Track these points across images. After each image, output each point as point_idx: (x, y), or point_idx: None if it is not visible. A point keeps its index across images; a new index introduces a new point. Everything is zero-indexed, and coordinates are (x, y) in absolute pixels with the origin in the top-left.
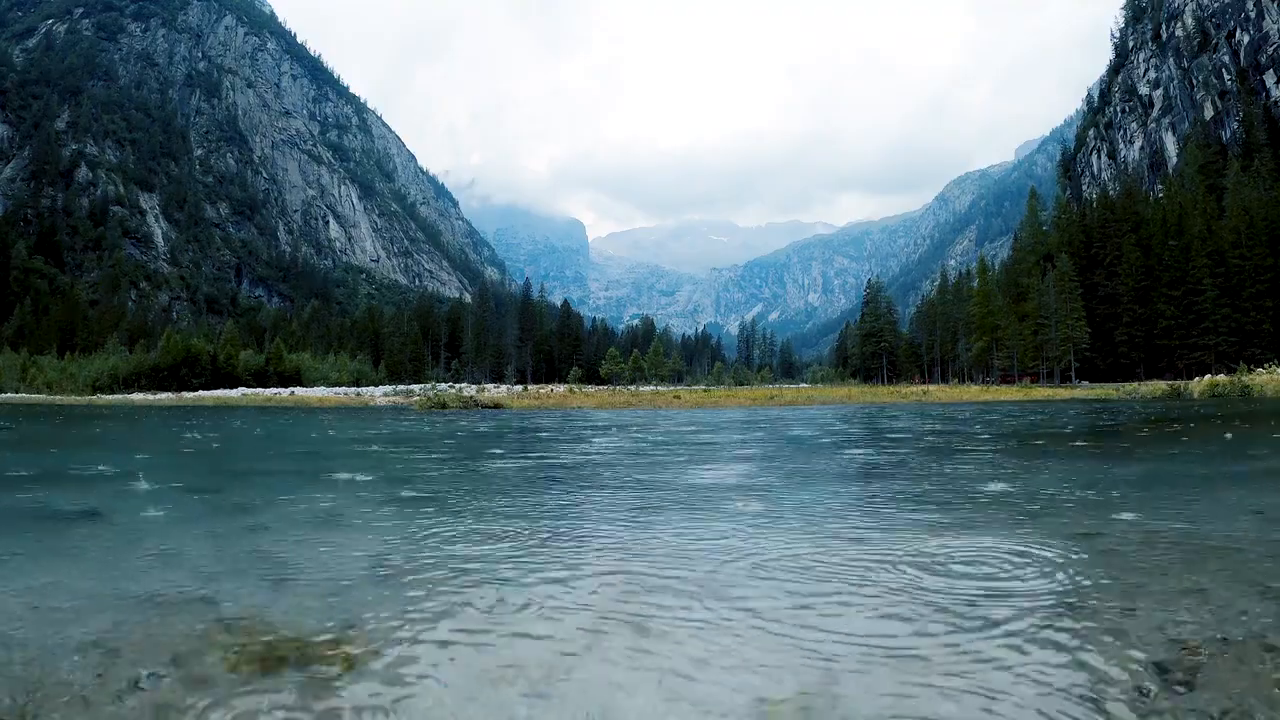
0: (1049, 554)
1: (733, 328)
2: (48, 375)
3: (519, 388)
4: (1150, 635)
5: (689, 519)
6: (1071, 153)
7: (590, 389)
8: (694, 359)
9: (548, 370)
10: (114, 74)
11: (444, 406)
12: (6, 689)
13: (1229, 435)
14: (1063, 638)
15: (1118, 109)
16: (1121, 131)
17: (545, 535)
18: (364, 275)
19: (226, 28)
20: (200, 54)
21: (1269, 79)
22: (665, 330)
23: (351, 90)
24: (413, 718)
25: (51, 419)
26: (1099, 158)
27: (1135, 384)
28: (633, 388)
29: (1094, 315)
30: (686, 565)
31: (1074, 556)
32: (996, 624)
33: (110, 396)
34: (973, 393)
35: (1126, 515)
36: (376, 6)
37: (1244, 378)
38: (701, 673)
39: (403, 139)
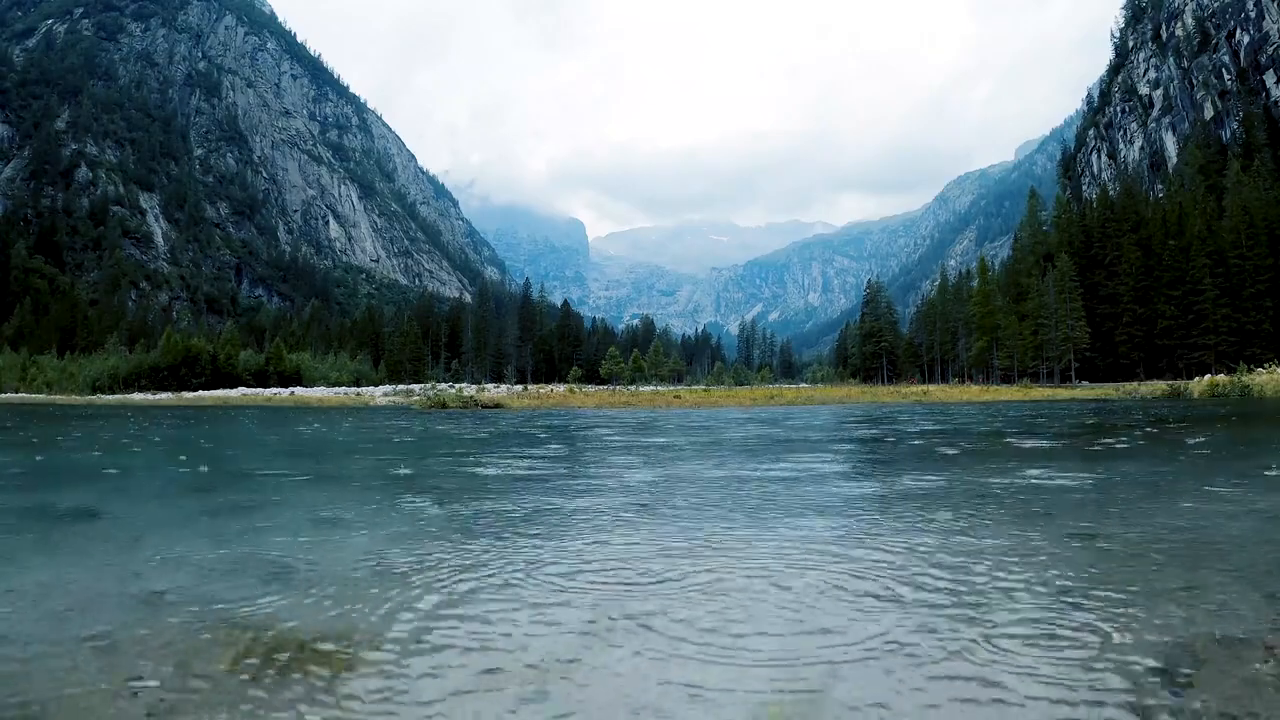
0: (1048, 553)
1: (733, 327)
2: (48, 375)
3: (519, 387)
4: (1150, 635)
5: (688, 520)
6: (1071, 153)
7: (590, 389)
8: (694, 359)
9: (548, 370)
10: (114, 74)
11: (444, 406)
12: (7, 689)
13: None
14: (1062, 638)
15: (1118, 109)
16: (1121, 131)
17: (544, 535)
18: (364, 275)
19: (226, 28)
20: (200, 54)
21: (1269, 79)
22: (665, 330)
23: (351, 90)
24: (413, 717)
25: (51, 419)
26: (1099, 158)
27: (1135, 384)
28: (633, 388)
29: (1094, 315)
30: (685, 565)
31: (1073, 556)
32: (996, 623)
33: (110, 396)
34: (972, 393)
35: (1126, 513)
36: (376, 6)
37: (1244, 378)
38: (701, 672)
39: (403, 139)
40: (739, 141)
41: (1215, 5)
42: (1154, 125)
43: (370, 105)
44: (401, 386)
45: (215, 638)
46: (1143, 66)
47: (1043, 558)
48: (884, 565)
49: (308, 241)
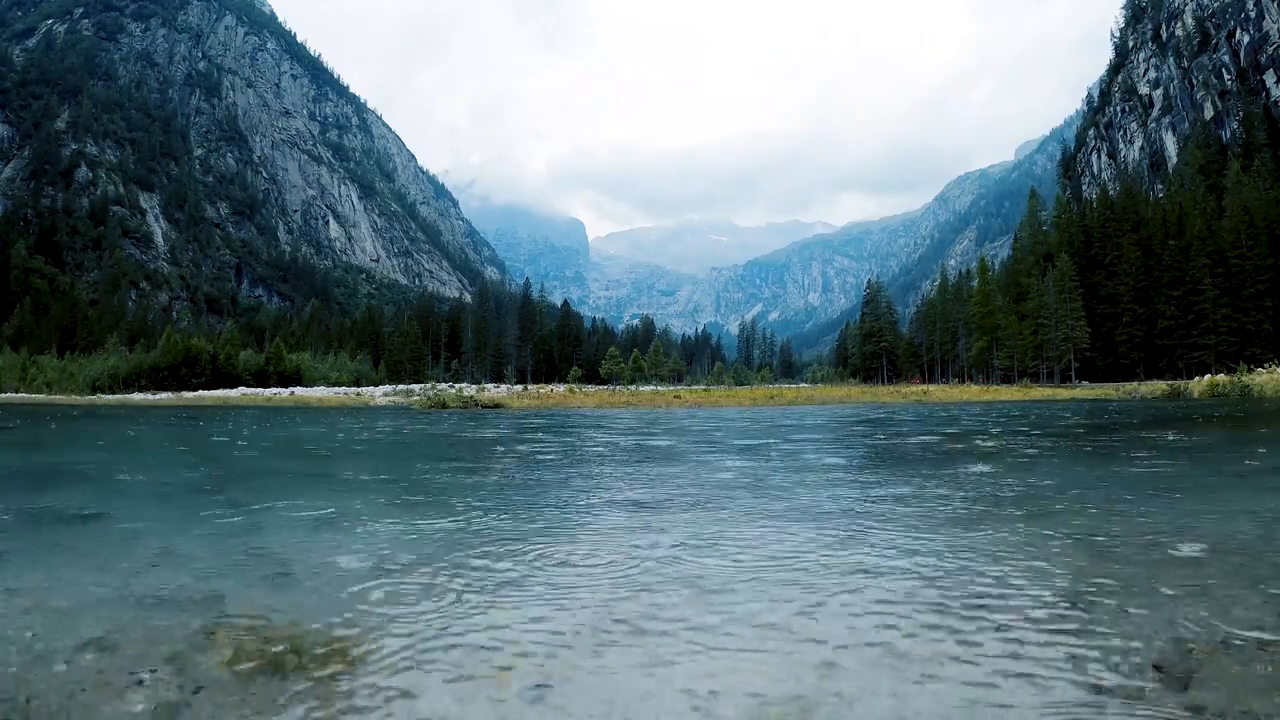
0: (1049, 553)
1: (733, 327)
2: (48, 375)
3: (519, 387)
4: (1150, 635)
5: (687, 520)
6: (1071, 153)
7: (590, 389)
8: (694, 359)
9: (548, 370)
10: (114, 74)
11: (444, 406)
12: (7, 689)
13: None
14: (1062, 637)
15: (1118, 109)
16: (1121, 131)
17: (543, 535)
18: (364, 275)
19: (226, 28)
20: (200, 54)
21: (1269, 79)
22: (665, 330)
23: (351, 90)
24: (413, 718)
25: (51, 420)
26: (1099, 158)
27: (1135, 384)
28: (633, 387)
29: (1094, 315)
30: (686, 565)
31: (1073, 556)
32: (996, 624)
33: (110, 396)
34: (972, 393)
35: (1126, 514)
36: (376, 6)
37: (1244, 378)
38: (702, 673)
39: (403, 139)
40: (739, 141)
41: (1215, 5)
42: (1154, 125)
43: (370, 105)
44: (401, 386)
45: (215, 638)
46: (1143, 66)
47: (1042, 558)
48: (882, 565)
49: (308, 241)
